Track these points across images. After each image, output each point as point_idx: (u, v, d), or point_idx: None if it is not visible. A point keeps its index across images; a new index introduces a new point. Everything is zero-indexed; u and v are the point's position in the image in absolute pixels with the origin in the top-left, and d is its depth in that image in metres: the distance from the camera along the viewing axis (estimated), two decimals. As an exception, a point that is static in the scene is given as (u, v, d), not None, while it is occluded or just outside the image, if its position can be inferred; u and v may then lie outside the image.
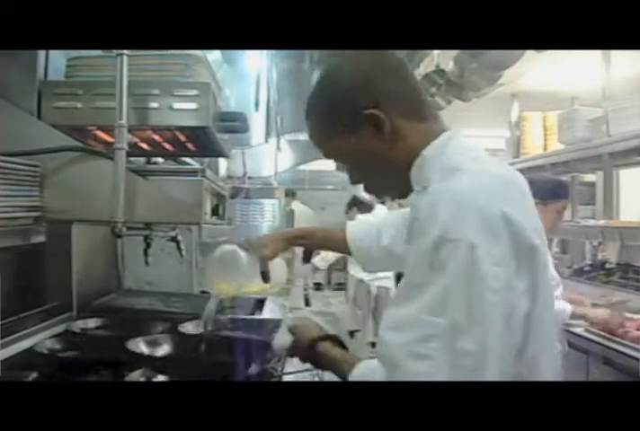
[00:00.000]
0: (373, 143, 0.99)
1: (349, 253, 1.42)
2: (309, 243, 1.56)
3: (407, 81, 1.03)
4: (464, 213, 0.86)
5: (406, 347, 0.85)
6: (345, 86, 1.01)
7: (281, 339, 1.21)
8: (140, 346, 1.47)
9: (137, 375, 1.32)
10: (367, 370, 0.96)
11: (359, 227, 1.43)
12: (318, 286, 8.44)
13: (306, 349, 1.13)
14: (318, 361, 1.13)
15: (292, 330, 1.19)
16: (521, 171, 4.59)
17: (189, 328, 1.74)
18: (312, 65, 4.47)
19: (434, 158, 0.97)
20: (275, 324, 1.79)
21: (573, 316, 2.40)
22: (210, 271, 1.61)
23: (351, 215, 4.44)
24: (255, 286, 1.46)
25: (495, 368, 0.84)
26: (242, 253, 1.35)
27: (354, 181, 1.10)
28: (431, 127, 1.02)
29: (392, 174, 1.03)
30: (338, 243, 1.42)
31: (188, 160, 2.08)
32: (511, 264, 0.86)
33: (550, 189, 2.36)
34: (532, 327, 0.89)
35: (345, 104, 0.99)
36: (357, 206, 4.55)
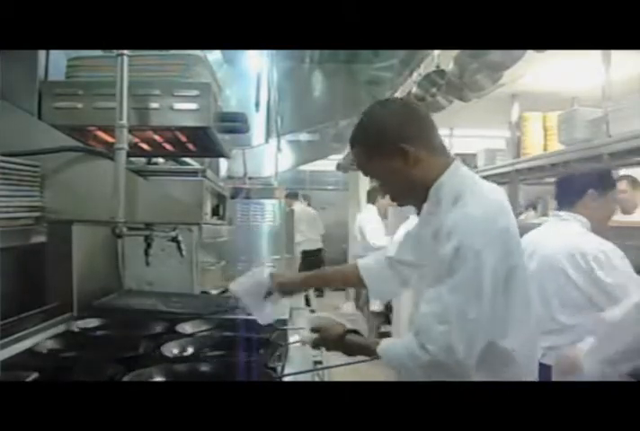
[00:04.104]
0: (400, 167, 1.34)
1: (363, 286, 1.68)
2: (321, 282, 1.90)
3: (429, 125, 1.39)
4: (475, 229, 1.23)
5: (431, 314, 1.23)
6: (384, 126, 1.36)
7: (306, 336, 1.48)
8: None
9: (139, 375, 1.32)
10: (390, 341, 1.32)
11: (368, 259, 1.72)
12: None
13: (336, 341, 1.41)
14: (348, 348, 1.41)
15: (318, 328, 1.46)
16: (522, 171, 4.55)
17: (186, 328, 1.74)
18: (312, 65, 4.47)
19: (448, 183, 1.33)
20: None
21: None
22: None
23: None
24: None
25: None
26: None
27: (384, 192, 1.49)
28: (443, 159, 1.37)
29: (410, 190, 1.39)
30: (348, 277, 1.72)
31: (188, 160, 2.08)
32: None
33: (604, 177, 2.27)
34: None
35: (383, 140, 1.35)
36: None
